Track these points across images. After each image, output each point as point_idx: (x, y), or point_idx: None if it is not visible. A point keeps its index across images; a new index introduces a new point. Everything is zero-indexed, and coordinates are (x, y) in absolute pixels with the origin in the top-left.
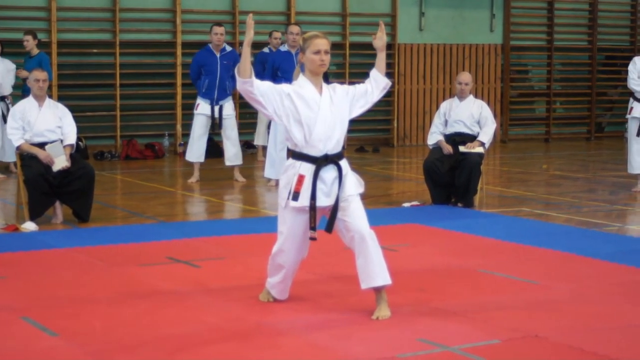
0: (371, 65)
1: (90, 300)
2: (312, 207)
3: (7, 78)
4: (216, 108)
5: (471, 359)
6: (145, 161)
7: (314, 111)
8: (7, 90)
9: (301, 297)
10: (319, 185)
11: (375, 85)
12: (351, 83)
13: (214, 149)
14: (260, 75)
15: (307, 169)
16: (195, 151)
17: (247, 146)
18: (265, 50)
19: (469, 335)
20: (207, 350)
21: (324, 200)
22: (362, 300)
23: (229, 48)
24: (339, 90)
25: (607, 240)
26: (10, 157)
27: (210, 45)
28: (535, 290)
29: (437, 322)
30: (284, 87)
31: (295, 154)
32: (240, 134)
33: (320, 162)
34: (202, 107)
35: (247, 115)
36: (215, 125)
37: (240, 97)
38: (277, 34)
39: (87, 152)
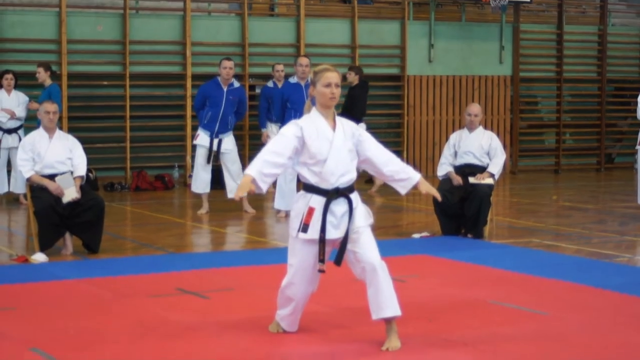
0: (380, 97)
1: (99, 331)
2: (322, 240)
3: (18, 110)
4: (215, 141)
5: None
6: (155, 192)
7: (326, 147)
8: (20, 122)
9: (311, 329)
10: (329, 218)
11: (395, 174)
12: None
13: (223, 179)
14: (265, 110)
15: (318, 201)
16: (200, 182)
17: None
18: (269, 84)
19: None
20: None
21: (334, 233)
22: (372, 332)
23: (237, 84)
24: (347, 127)
25: (617, 271)
26: (21, 189)
27: (219, 79)
28: (545, 322)
29: (447, 353)
30: (294, 130)
31: (306, 186)
32: None
33: (331, 195)
34: (202, 138)
35: (259, 147)
36: (212, 158)
37: (250, 128)
38: (280, 67)
39: (97, 183)
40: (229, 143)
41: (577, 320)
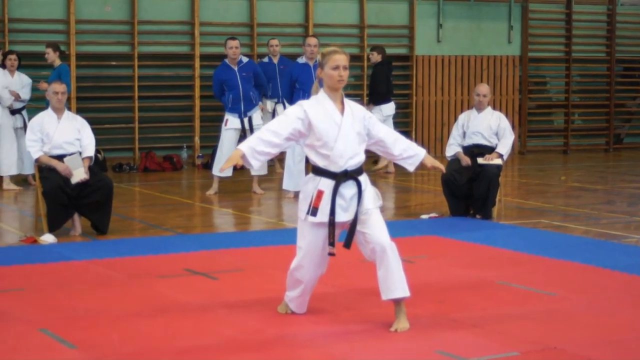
0: None
1: (108, 312)
2: (331, 223)
3: (23, 92)
4: (245, 120)
5: None
6: (163, 173)
7: (334, 130)
8: (24, 103)
9: (319, 310)
10: (338, 200)
11: (403, 152)
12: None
13: None
14: (265, 85)
15: (327, 184)
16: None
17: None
18: (265, 60)
19: (487, 348)
20: None
21: (343, 216)
22: (381, 313)
23: (245, 59)
24: (356, 111)
25: (625, 252)
26: (29, 170)
27: (227, 60)
28: (553, 302)
29: (456, 334)
30: (297, 112)
31: (315, 169)
32: None
33: (340, 177)
34: (232, 122)
35: None
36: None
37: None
38: (275, 42)
39: (106, 164)
40: (257, 118)
41: (585, 300)
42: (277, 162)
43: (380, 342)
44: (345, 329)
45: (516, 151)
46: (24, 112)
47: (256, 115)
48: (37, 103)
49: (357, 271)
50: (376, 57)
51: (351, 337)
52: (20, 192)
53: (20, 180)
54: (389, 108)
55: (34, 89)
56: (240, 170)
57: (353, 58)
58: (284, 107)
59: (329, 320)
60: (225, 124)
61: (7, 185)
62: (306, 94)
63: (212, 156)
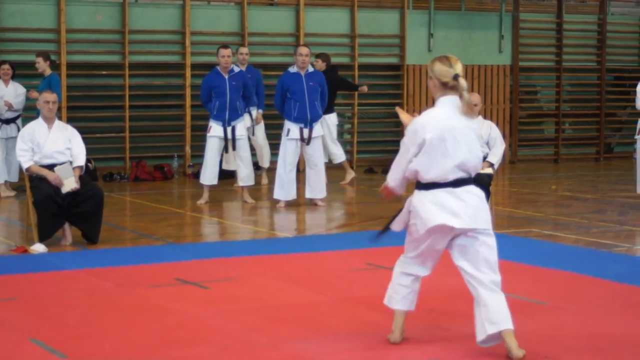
0: (379, 86)
1: (99, 321)
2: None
3: (16, 102)
4: (229, 129)
5: None
6: (154, 183)
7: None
8: (18, 112)
9: (311, 319)
10: None
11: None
12: (360, 104)
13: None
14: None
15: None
16: (209, 174)
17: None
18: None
19: (479, 356)
20: None
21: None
22: (374, 322)
23: (237, 69)
24: None
25: (616, 260)
26: (13, 178)
27: (218, 68)
28: (544, 311)
29: (448, 342)
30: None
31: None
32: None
33: None
34: (215, 129)
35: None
36: (229, 147)
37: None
38: (244, 50)
39: (96, 173)
40: (241, 129)
41: (576, 309)
42: (264, 172)
43: (373, 352)
44: (338, 339)
45: (507, 160)
46: (19, 121)
47: (240, 125)
48: (27, 112)
49: (348, 281)
50: (320, 65)
51: (343, 347)
52: (11, 201)
53: (10, 187)
54: (335, 117)
55: (25, 99)
56: (229, 179)
57: (344, 67)
58: (250, 116)
59: (320, 329)
60: (209, 131)
61: (4, 192)
62: (297, 103)
63: None
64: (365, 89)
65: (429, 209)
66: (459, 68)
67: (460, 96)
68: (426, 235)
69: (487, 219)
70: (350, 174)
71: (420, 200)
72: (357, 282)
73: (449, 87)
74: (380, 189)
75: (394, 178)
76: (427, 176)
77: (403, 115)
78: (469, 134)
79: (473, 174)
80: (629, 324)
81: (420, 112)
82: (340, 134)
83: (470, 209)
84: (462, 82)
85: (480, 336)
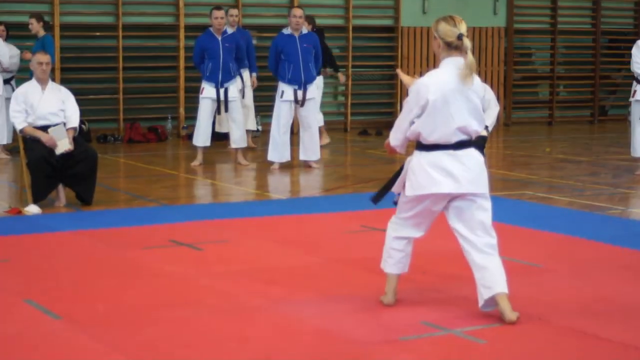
0: (373, 48)
1: (93, 283)
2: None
3: (11, 63)
4: (221, 91)
5: (474, 342)
6: (148, 144)
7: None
8: (12, 73)
9: (304, 281)
10: None
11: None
12: (354, 66)
13: (215, 133)
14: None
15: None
16: (202, 135)
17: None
18: (228, 30)
19: (472, 318)
20: (209, 331)
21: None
22: (366, 284)
23: (230, 30)
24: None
25: (609, 223)
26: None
27: (211, 29)
28: (537, 273)
29: (440, 305)
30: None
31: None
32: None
33: None
34: (208, 91)
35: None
36: (221, 108)
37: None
38: (234, 11)
39: (90, 135)
40: (234, 91)
41: (569, 272)
42: (250, 136)
43: (365, 314)
44: (330, 301)
45: (501, 123)
46: (13, 82)
47: (233, 87)
48: (20, 74)
49: (342, 243)
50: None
51: (336, 308)
52: (4, 162)
53: (11, 147)
54: (320, 80)
55: (19, 60)
56: (223, 141)
57: (337, 29)
58: (241, 78)
59: (312, 291)
60: (202, 92)
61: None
62: (291, 65)
63: None
64: (342, 79)
65: (428, 174)
66: (463, 28)
67: (464, 56)
68: (422, 197)
69: (485, 184)
70: (325, 139)
71: (419, 162)
72: (351, 244)
73: (453, 47)
74: (385, 144)
75: (395, 137)
76: (429, 138)
77: (404, 77)
78: (472, 97)
79: (474, 137)
80: (622, 287)
81: (420, 75)
82: (334, 95)
83: (470, 173)
84: (467, 41)
85: (479, 302)
